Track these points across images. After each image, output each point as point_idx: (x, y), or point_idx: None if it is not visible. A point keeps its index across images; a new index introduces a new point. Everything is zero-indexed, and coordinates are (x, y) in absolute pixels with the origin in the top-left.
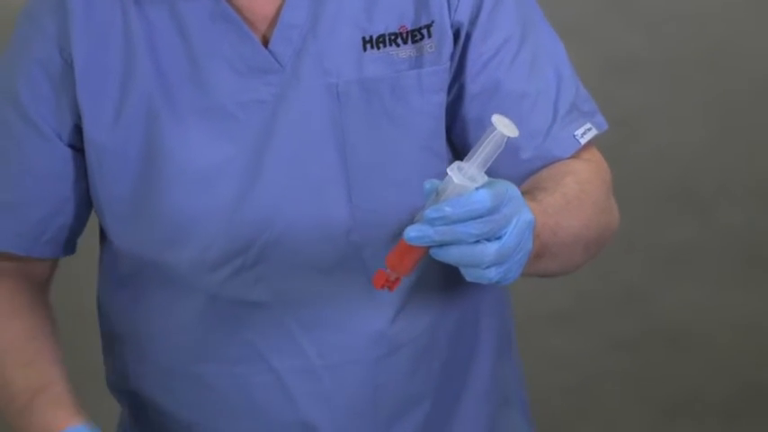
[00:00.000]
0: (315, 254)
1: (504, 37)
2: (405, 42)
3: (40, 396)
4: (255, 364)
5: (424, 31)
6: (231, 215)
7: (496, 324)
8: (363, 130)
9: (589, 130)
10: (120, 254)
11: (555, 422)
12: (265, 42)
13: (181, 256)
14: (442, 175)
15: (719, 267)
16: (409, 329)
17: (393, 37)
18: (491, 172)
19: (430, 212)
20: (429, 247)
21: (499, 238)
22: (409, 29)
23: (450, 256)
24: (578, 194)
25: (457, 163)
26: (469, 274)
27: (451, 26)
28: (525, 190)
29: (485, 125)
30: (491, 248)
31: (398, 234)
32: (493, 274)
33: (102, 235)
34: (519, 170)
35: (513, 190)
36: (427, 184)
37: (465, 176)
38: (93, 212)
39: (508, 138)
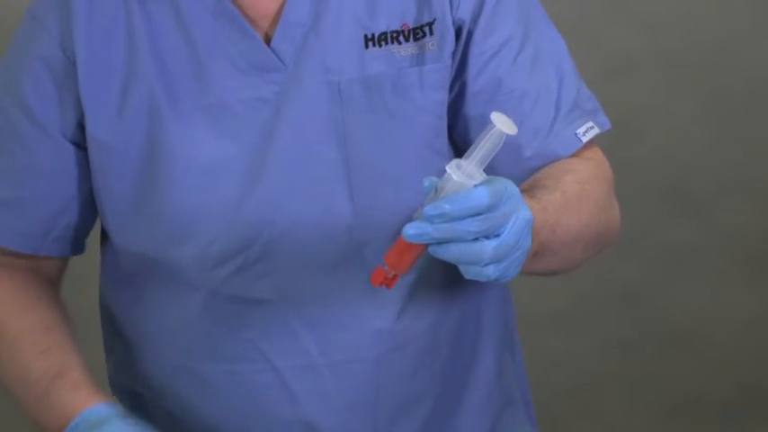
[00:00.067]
0: (317, 251)
1: (506, 35)
2: (407, 40)
3: (58, 381)
4: (257, 362)
5: (426, 29)
6: (233, 212)
7: (498, 323)
8: (365, 127)
9: (591, 128)
10: (120, 253)
11: (555, 422)
12: (268, 40)
13: (183, 254)
14: (444, 173)
15: (719, 267)
16: (411, 328)
17: (395, 35)
18: (492, 170)
19: (429, 210)
20: (427, 245)
21: (498, 235)
22: (411, 27)
23: (449, 253)
24: (578, 193)
25: (456, 160)
26: (468, 272)
27: (453, 24)
28: (525, 188)
29: (486, 123)
30: (489, 246)
31: (399, 232)
32: (491, 271)
33: (104, 234)
34: (520, 168)
35: (511, 187)
36: (426, 182)
37: (464, 174)
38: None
39: (508, 135)
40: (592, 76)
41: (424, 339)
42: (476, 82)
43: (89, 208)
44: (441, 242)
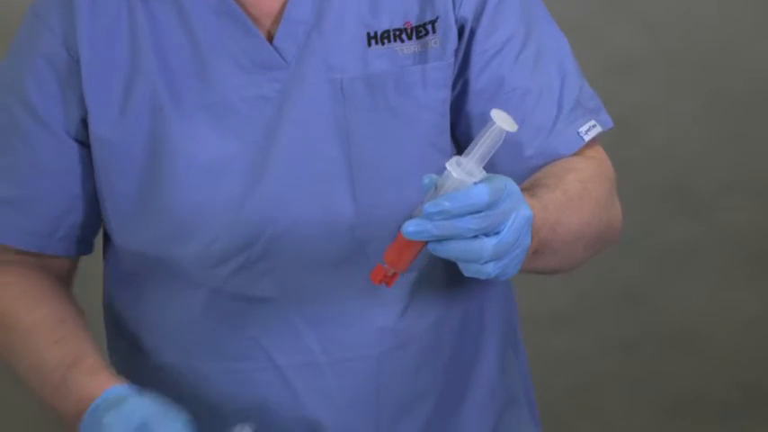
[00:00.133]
0: (319, 249)
1: (509, 34)
2: (409, 38)
3: (74, 369)
4: (259, 360)
5: (429, 27)
6: (236, 210)
7: (501, 321)
8: (367, 125)
9: (593, 127)
10: (121, 253)
11: (555, 422)
12: (270, 38)
13: (185, 252)
14: (444, 170)
15: (720, 267)
16: (414, 326)
17: (398, 33)
18: (494, 168)
19: (428, 207)
20: (427, 243)
21: (497, 233)
22: (414, 25)
23: (449, 251)
24: (580, 192)
25: (455, 157)
26: (468, 269)
27: (456, 22)
28: (526, 186)
29: (488, 121)
30: (489, 243)
31: (399, 229)
32: (491, 269)
33: (106, 234)
34: (522, 166)
35: (511, 185)
36: (426, 179)
37: (464, 171)
38: None
39: (509, 133)
40: (592, 76)
41: (427, 337)
42: (478, 80)
43: (95, 207)
44: (440, 239)
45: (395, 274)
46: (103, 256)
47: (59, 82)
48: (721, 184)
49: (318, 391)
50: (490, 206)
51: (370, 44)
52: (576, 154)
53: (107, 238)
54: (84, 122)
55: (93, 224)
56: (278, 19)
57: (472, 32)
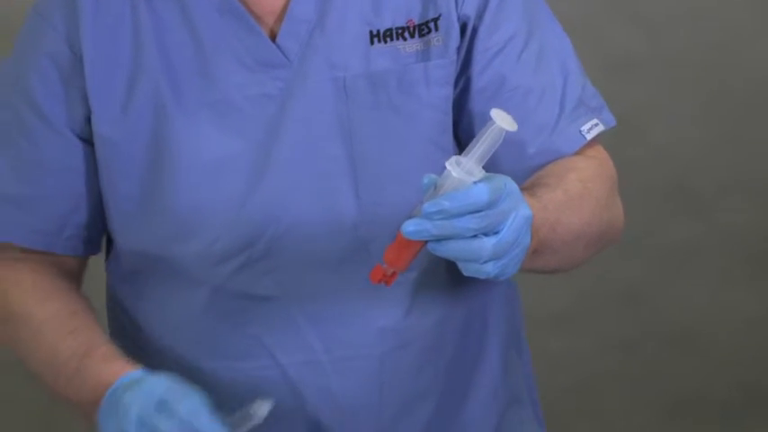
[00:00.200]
0: (322, 248)
1: (511, 32)
2: (412, 36)
3: (89, 358)
4: (261, 358)
5: (432, 25)
6: (239, 209)
7: (505, 321)
8: (370, 123)
9: (596, 125)
10: (123, 251)
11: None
12: (273, 36)
13: (187, 250)
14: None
15: (720, 267)
16: (417, 325)
17: (400, 31)
18: (496, 167)
19: (428, 206)
20: (426, 242)
21: (497, 232)
22: (416, 23)
23: (448, 250)
24: (581, 191)
25: (455, 157)
26: (467, 269)
27: (458, 19)
28: (527, 186)
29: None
30: (488, 243)
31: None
32: (490, 268)
33: (108, 234)
34: (524, 165)
35: (511, 185)
36: (425, 179)
37: (463, 170)
38: None
39: (511, 131)
40: (593, 75)
41: (430, 337)
42: (480, 78)
43: (101, 207)
44: (439, 239)
45: (394, 274)
46: (105, 256)
47: (63, 80)
48: (722, 184)
49: (320, 389)
50: (489, 206)
51: (372, 42)
52: (577, 153)
53: (108, 238)
54: (89, 121)
55: (99, 224)
56: (281, 17)
57: (474, 30)
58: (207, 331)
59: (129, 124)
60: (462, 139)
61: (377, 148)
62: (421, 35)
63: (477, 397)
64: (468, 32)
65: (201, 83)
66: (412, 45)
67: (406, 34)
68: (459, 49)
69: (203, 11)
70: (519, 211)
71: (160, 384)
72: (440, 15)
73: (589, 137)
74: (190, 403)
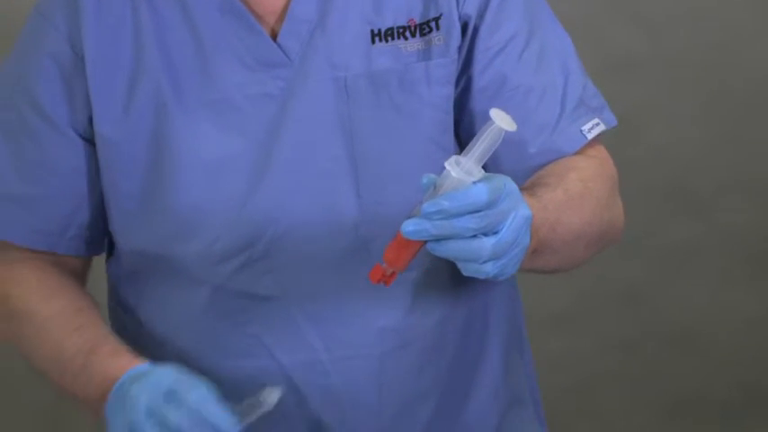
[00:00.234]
0: (323, 247)
1: (512, 32)
2: (413, 36)
3: (95, 354)
4: (261, 358)
5: (433, 24)
6: (238, 209)
7: (506, 321)
8: (371, 123)
9: (597, 125)
10: (123, 251)
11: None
12: (274, 36)
13: (188, 249)
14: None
15: (720, 267)
16: (417, 325)
17: (401, 30)
18: (497, 166)
19: (427, 206)
20: (426, 242)
21: (496, 232)
22: (418, 22)
23: (447, 250)
24: (581, 191)
25: (454, 157)
26: (466, 269)
27: (459, 19)
28: (527, 186)
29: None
30: (488, 243)
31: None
32: (490, 268)
33: (108, 234)
34: (525, 165)
35: (510, 185)
36: (424, 179)
37: (463, 170)
38: None
39: (510, 131)
40: (592, 75)
41: (431, 337)
42: (481, 78)
43: (103, 207)
44: (439, 239)
45: (393, 274)
46: (106, 256)
47: (65, 80)
48: (722, 184)
49: (321, 389)
50: (489, 205)
51: (373, 42)
52: (578, 153)
53: (109, 238)
54: (91, 120)
55: (102, 224)
56: (282, 17)
57: (475, 30)
58: (207, 331)
59: (130, 124)
60: (463, 138)
61: (378, 148)
62: (422, 34)
63: (478, 397)
64: (469, 32)
65: (202, 82)
66: (413, 44)
67: (408, 34)
68: (460, 48)
69: (204, 10)
70: (518, 211)
71: (168, 375)
72: (441, 15)
73: (590, 136)
74: (198, 393)
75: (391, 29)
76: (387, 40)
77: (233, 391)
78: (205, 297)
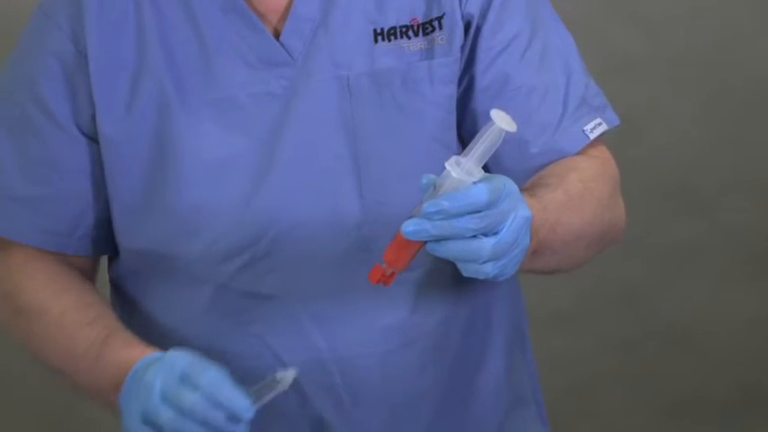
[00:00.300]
0: (325, 247)
1: (515, 31)
2: (416, 35)
3: (108, 345)
4: (264, 357)
5: (435, 24)
6: (242, 207)
7: (508, 320)
8: (374, 122)
9: (599, 125)
10: (125, 250)
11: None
12: (277, 35)
13: (190, 249)
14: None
15: (721, 267)
16: (420, 324)
17: (404, 29)
18: (499, 166)
19: (427, 207)
20: (425, 242)
21: (496, 233)
22: (420, 21)
23: (447, 250)
24: (582, 192)
25: (455, 157)
26: (466, 269)
27: (462, 18)
28: (528, 186)
29: None
30: (488, 243)
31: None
32: (489, 268)
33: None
34: (527, 164)
35: (510, 185)
36: (424, 179)
37: (463, 171)
38: None
39: (510, 131)
40: (593, 75)
41: (433, 336)
42: (484, 77)
43: (109, 206)
44: (439, 239)
45: (393, 274)
46: (108, 256)
47: (70, 79)
48: (722, 184)
49: (324, 387)
50: (489, 206)
51: (376, 41)
52: (579, 153)
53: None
54: (95, 119)
55: (110, 224)
56: (284, 15)
57: (478, 29)
58: (210, 330)
59: (132, 123)
60: (465, 137)
61: (381, 147)
62: (425, 34)
63: (481, 396)
64: (471, 31)
65: (205, 81)
66: (416, 43)
67: (410, 33)
68: (462, 47)
69: (207, 9)
70: (518, 212)
71: (182, 359)
72: (444, 14)
73: (592, 136)
74: (212, 375)
75: (394, 28)
76: (390, 40)
77: None
78: (207, 296)
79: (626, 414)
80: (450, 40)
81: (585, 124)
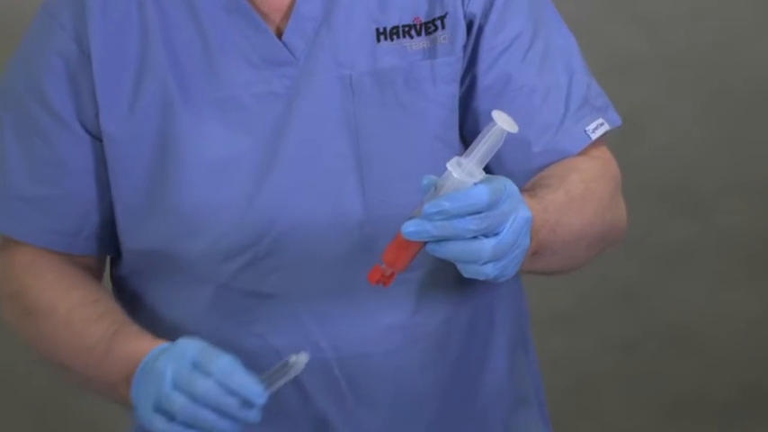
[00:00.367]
0: (328, 246)
1: (517, 31)
2: (418, 34)
3: (117, 338)
4: (267, 357)
5: (438, 23)
6: (245, 206)
7: (511, 320)
8: (377, 121)
9: (601, 125)
10: (127, 250)
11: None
12: (279, 34)
13: (192, 248)
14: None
15: (719, 267)
16: (423, 324)
17: (407, 29)
18: (500, 166)
19: (428, 207)
20: (426, 243)
21: (496, 234)
22: (423, 21)
23: (448, 251)
24: (583, 192)
25: (456, 158)
26: (466, 270)
27: (464, 17)
28: (528, 187)
29: None
30: (488, 244)
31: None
32: (490, 269)
33: None
34: (529, 165)
35: (510, 186)
36: (425, 180)
37: (464, 171)
38: None
39: (510, 133)
40: (594, 75)
41: (436, 336)
42: (486, 77)
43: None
44: (439, 240)
45: (392, 275)
46: (110, 257)
47: (74, 78)
48: (721, 185)
49: (326, 387)
50: (490, 207)
51: (379, 40)
52: (581, 153)
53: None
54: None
55: (113, 224)
56: (287, 15)
57: (480, 29)
58: (212, 330)
59: (135, 122)
60: (467, 137)
61: (383, 146)
62: (427, 33)
63: (483, 397)
64: (474, 31)
65: (208, 81)
66: (418, 43)
67: (413, 32)
68: (465, 47)
69: (210, 8)
70: (519, 213)
71: (192, 346)
72: (446, 13)
73: (594, 136)
74: (224, 362)
75: (396, 27)
76: (392, 39)
77: None
78: (209, 296)
79: (626, 414)
80: (452, 39)
81: (587, 124)
